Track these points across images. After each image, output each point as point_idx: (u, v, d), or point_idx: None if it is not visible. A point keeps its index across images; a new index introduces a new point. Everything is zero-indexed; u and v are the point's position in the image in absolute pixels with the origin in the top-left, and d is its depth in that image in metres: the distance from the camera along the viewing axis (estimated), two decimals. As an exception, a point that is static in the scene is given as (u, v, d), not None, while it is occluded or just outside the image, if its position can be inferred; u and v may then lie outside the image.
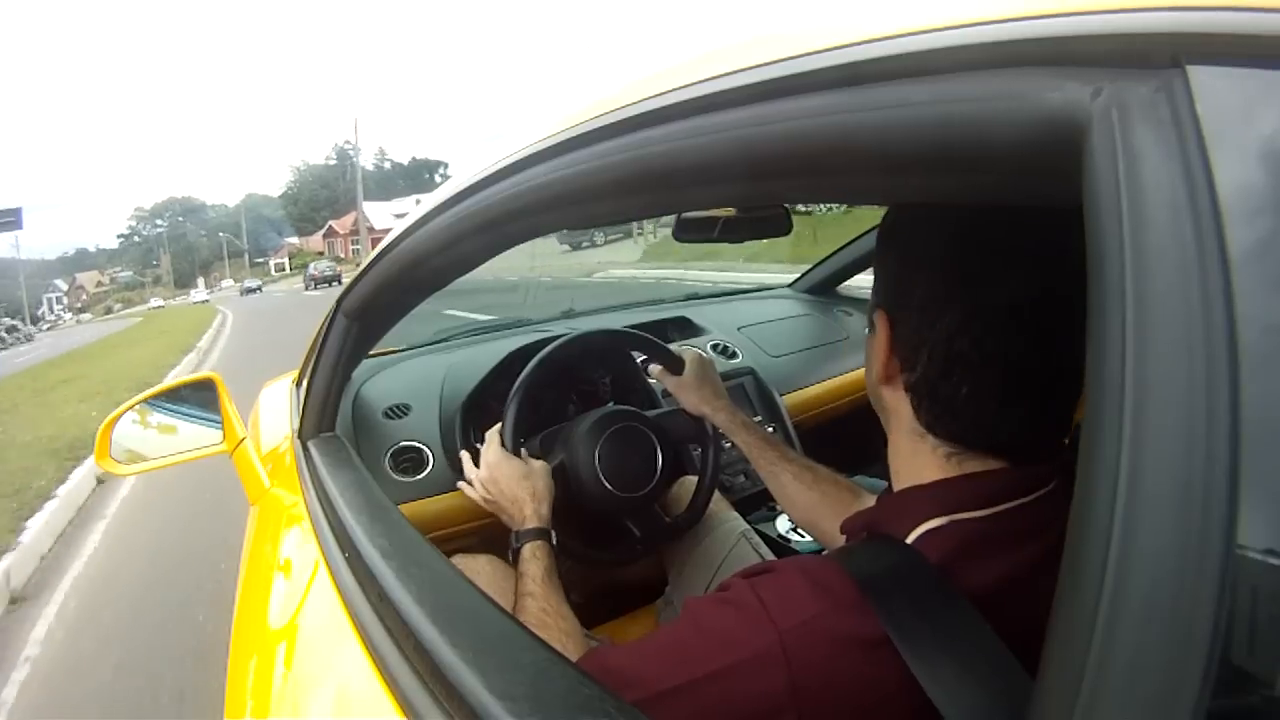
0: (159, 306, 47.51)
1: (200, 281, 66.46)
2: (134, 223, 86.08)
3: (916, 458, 0.42)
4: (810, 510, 0.74)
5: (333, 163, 67.05)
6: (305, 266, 36.54)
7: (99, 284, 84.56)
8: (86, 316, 65.59)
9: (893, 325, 0.41)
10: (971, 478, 0.40)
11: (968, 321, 0.38)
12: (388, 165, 76.00)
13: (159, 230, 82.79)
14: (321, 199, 66.22)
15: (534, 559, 0.67)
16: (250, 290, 40.45)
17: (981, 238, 0.38)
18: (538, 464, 0.79)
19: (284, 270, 56.62)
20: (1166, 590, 0.17)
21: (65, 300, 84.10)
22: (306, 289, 28.51)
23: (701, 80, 0.31)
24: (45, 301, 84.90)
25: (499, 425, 0.82)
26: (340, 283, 19.22)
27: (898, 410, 0.43)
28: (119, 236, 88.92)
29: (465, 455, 0.85)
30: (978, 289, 0.38)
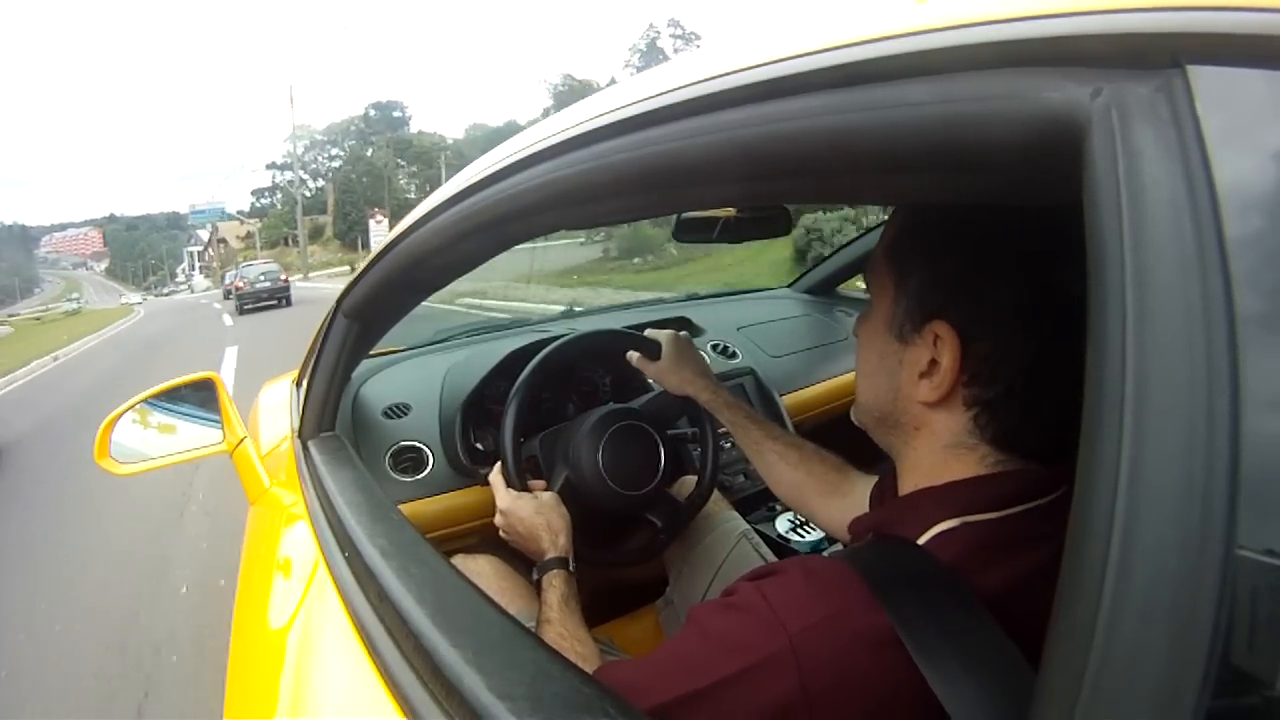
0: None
1: (373, 229, 30.31)
2: (295, 147, 42.80)
3: (949, 465, 0.40)
4: (796, 488, 0.73)
5: (642, 51, 38.24)
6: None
7: (239, 236, 58.74)
8: (202, 282, 53.46)
9: (965, 342, 0.38)
10: (985, 479, 0.39)
11: (1065, 327, 0.35)
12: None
13: (335, 163, 47.86)
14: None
15: (551, 587, 0.68)
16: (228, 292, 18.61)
17: (1063, 237, 0.35)
18: (546, 496, 0.78)
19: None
20: (1167, 589, 0.17)
21: (206, 256, 66.71)
22: (239, 312, 14.91)
23: (702, 80, 0.31)
24: (187, 256, 74.93)
25: (498, 465, 0.81)
26: (289, 301, 15.18)
27: (933, 425, 0.41)
28: (268, 168, 55.14)
29: (495, 479, 0.82)
30: (1070, 291, 0.35)
